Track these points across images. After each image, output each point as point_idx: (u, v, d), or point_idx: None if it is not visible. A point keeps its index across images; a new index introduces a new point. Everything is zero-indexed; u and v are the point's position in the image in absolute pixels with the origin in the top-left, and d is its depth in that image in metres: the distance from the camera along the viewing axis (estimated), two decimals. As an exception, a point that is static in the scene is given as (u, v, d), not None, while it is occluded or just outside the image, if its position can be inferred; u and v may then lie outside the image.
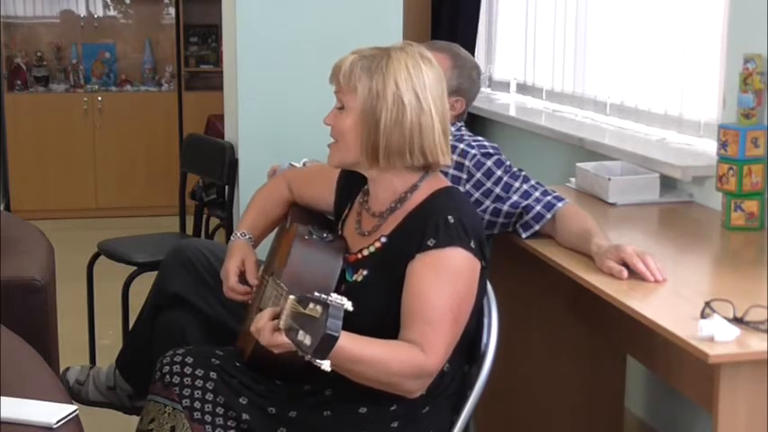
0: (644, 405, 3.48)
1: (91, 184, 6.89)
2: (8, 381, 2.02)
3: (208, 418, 2.19)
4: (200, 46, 7.17)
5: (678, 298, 2.19)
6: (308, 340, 1.82)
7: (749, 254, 2.65)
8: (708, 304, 2.00)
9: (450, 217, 2.11)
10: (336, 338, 1.81)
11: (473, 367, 2.29)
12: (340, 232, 2.36)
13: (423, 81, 2.14)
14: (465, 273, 2.10)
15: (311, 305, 1.84)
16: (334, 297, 1.84)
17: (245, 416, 2.19)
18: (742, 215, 2.76)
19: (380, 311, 2.12)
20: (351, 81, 2.15)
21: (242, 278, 2.44)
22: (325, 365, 1.84)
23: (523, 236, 2.63)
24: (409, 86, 2.13)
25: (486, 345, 2.28)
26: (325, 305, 1.81)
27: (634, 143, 3.58)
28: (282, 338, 1.91)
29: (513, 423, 3.12)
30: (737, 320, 1.96)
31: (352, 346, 1.97)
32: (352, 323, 1.90)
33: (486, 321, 2.30)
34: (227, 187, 4.00)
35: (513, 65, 5.12)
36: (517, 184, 2.67)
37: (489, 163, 2.69)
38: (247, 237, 2.52)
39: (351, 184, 2.38)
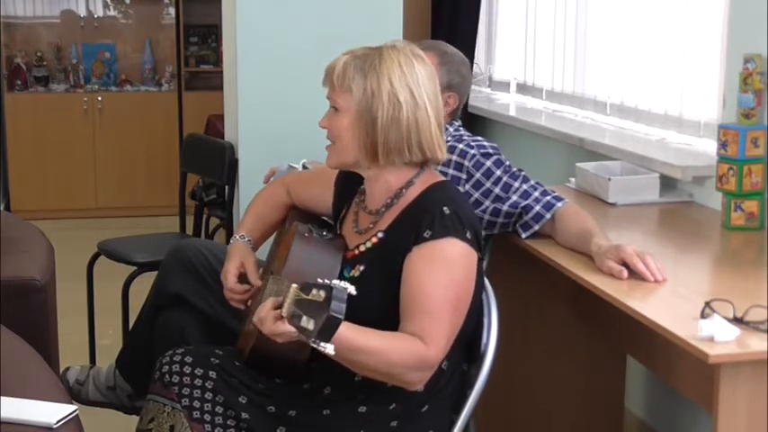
0: (644, 405, 3.48)
1: (91, 184, 6.89)
2: (8, 381, 2.02)
3: (207, 417, 2.20)
4: (200, 46, 7.17)
5: (678, 298, 2.19)
6: (311, 325, 1.83)
7: (749, 254, 2.65)
8: (708, 304, 2.00)
9: (445, 208, 2.12)
10: (340, 320, 1.82)
11: (473, 367, 2.29)
12: (339, 231, 2.37)
13: (416, 78, 2.16)
14: (462, 263, 2.11)
15: (314, 291, 1.85)
16: (337, 282, 1.85)
17: (244, 415, 2.19)
18: (742, 215, 2.76)
19: (378, 306, 2.12)
20: (344, 82, 2.16)
21: (241, 280, 2.45)
22: (329, 349, 1.85)
23: (523, 236, 2.63)
24: (404, 84, 2.14)
25: (486, 344, 2.28)
26: (329, 288, 1.83)
27: (634, 143, 3.59)
28: (285, 326, 1.92)
29: (513, 423, 3.12)
30: (737, 320, 1.96)
31: (354, 335, 1.98)
32: (351, 318, 1.91)
33: (485, 321, 2.30)
34: (227, 187, 4.00)
35: (513, 65, 5.12)
36: (516, 184, 2.67)
37: (488, 163, 2.69)
38: (246, 239, 2.53)
39: (348, 186, 2.38)
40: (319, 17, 3.85)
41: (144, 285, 3.15)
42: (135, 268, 3.73)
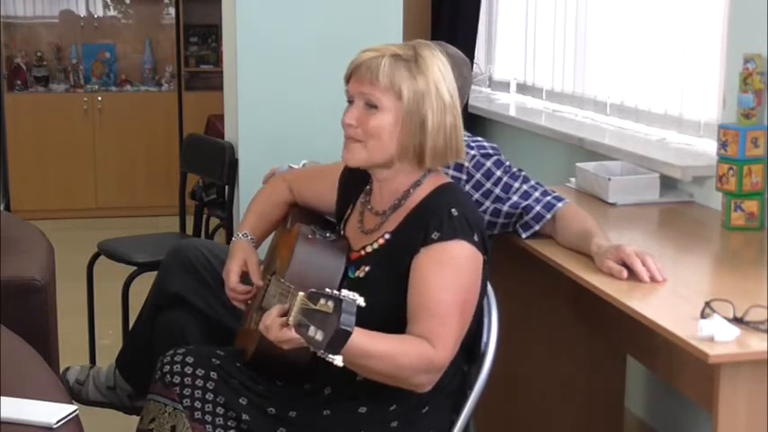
0: (644, 405, 3.48)
1: (91, 184, 6.89)
2: (8, 381, 2.02)
3: (208, 417, 2.19)
4: (200, 46, 7.17)
5: (678, 298, 2.19)
6: (319, 336, 1.82)
7: (749, 254, 2.65)
8: (708, 304, 2.00)
9: (453, 210, 2.12)
10: (350, 333, 1.81)
11: (473, 367, 2.29)
12: (342, 232, 2.36)
13: (450, 80, 2.19)
14: (469, 266, 2.11)
15: (322, 301, 1.84)
16: (346, 293, 1.84)
17: (245, 416, 2.19)
18: (742, 215, 2.76)
19: (384, 307, 2.11)
20: (390, 80, 2.13)
21: (243, 279, 2.44)
22: (338, 360, 1.84)
23: (523, 236, 2.63)
24: (444, 87, 2.16)
25: (486, 344, 2.28)
26: (338, 300, 1.82)
27: (634, 143, 3.58)
28: (292, 333, 1.91)
29: (513, 423, 3.12)
30: (737, 320, 1.96)
31: (363, 341, 1.97)
32: (357, 319, 1.90)
33: (486, 321, 2.30)
34: (227, 187, 4.00)
35: (513, 65, 5.12)
36: (517, 185, 2.66)
37: (489, 163, 2.68)
38: (249, 237, 2.52)
39: (353, 184, 2.37)
40: (319, 17, 3.85)
41: (144, 285, 3.15)
42: (135, 268, 3.73)
